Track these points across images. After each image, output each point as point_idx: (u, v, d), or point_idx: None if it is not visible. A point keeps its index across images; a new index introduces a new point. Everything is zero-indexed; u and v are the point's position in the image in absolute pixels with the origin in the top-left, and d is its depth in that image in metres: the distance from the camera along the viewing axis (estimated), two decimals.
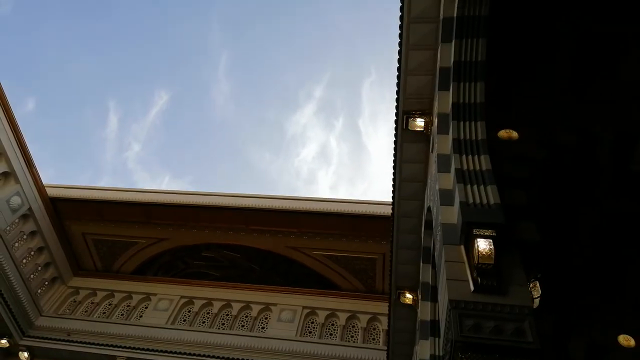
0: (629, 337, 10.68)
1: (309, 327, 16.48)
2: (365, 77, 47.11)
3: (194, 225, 17.38)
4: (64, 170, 44.25)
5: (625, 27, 8.63)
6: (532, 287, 7.30)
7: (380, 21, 45.25)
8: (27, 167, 16.90)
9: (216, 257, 17.89)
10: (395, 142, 10.69)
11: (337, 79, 45.95)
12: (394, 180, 11.18)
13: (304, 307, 16.79)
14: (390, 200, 11.63)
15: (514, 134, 9.10)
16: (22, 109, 38.85)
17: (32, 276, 17.30)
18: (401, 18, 9.35)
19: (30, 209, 16.96)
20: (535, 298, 7.35)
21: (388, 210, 12.17)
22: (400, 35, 9.54)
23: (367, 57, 48.24)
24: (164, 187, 44.00)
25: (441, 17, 8.91)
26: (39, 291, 17.65)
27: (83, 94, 43.75)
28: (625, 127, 9.18)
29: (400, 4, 9.22)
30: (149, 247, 18.21)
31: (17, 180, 16.54)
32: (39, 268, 17.69)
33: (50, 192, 17.81)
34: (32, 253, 17.38)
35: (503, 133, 9.14)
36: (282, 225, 16.61)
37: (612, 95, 9.04)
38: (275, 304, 17.05)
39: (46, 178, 17.75)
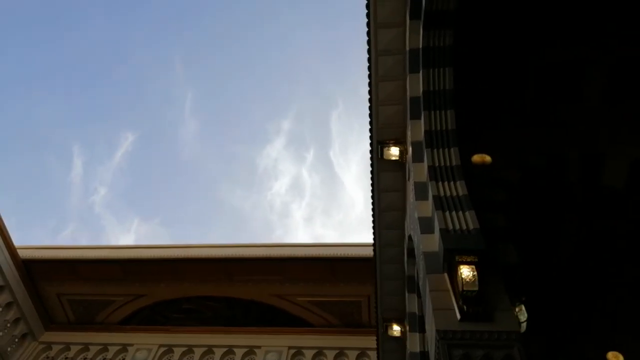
0: (617, 353, 10.65)
1: None
2: (333, 108, 47.97)
3: (173, 279, 16.99)
4: (27, 218, 42.98)
5: (585, 54, 8.98)
6: (518, 311, 7.21)
7: (343, 53, 46.53)
8: None
9: (197, 309, 17.42)
10: (372, 172, 10.71)
11: (304, 111, 46.73)
12: (373, 210, 11.13)
13: (289, 348, 16.28)
14: (371, 234, 11.53)
15: (488, 158, 9.23)
16: None
17: (0, 334, 16.36)
18: (369, 51, 9.55)
19: None
20: (522, 322, 7.25)
21: (370, 252, 12.11)
22: (369, 68, 9.71)
23: (333, 88, 49.37)
24: (132, 231, 43.12)
25: (407, 48, 9.13)
26: (8, 349, 16.66)
27: (45, 138, 43.10)
28: (591, 148, 9.43)
29: (367, 38, 9.44)
30: (127, 304, 17.66)
31: None
32: (8, 325, 16.76)
33: (22, 254, 17.26)
34: (0, 309, 16.49)
35: (477, 157, 9.27)
36: (265, 273, 16.39)
37: (576, 118, 9.31)
38: (259, 347, 16.49)
39: (9, 227, 17.03)
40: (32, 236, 42.77)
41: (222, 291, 16.89)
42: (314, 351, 16.15)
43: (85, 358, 17.20)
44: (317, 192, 47.80)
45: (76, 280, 17.40)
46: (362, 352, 15.87)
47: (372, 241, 11.62)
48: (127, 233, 44.99)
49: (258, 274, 16.38)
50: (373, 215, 11.19)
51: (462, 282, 6.27)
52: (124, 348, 17.17)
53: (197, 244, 17.33)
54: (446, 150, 8.27)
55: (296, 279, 16.23)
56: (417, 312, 10.31)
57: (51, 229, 45.18)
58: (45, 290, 17.72)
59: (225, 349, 16.69)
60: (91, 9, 40.34)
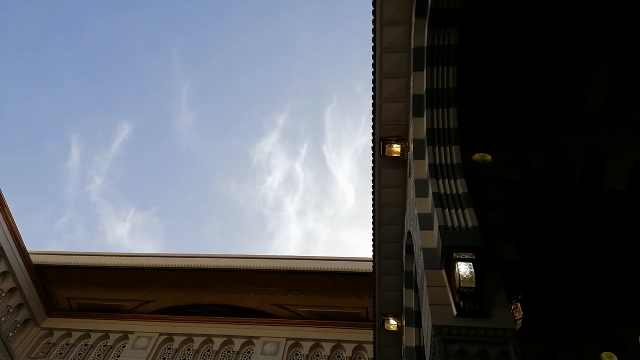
0: (611, 354, 10.74)
1: (293, 359, 16.15)
2: (327, 104, 47.92)
3: (179, 287, 17.54)
4: (25, 205, 43.18)
5: (588, 55, 9.01)
6: (514, 309, 7.31)
7: (340, 50, 46.41)
8: None
9: (200, 313, 17.81)
10: (373, 168, 10.79)
11: (299, 107, 46.68)
12: (373, 205, 11.23)
13: (287, 339, 16.46)
14: (371, 229, 11.65)
15: (488, 157, 9.30)
16: None
17: (3, 319, 16.55)
18: (374, 48, 9.60)
19: (0, 248, 16.37)
20: (518, 319, 7.36)
21: (369, 267, 12.50)
22: (374, 65, 9.76)
23: (328, 85, 49.28)
24: (128, 220, 43.24)
25: (412, 47, 9.18)
26: (10, 334, 16.86)
27: (44, 128, 43.25)
28: (594, 148, 9.48)
29: (373, 35, 9.49)
30: (134, 309, 18.10)
31: None
32: (11, 310, 16.95)
33: (35, 259, 17.82)
34: (3, 295, 16.69)
35: (477, 156, 9.33)
36: (267, 285, 16.89)
37: (579, 118, 9.36)
38: (258, 337, 16.67)
39: None
40: (30, 223, 42.99)
41: (226, 299, 17.42)
42: (311, 343, 16.31)
43: (87, 344, 17.39)
44: (309, 187, 47.93)
45: (86, 285, 17.98)
46: (359, 345, 16.03)
47: (370, 253, 11.89)
48: (123, 222, 45.27)
49: (261, 285, 16.94)
50: (373, 211, 11.28)
51: (459, 278, 6.37)
52: (125, 335, 17.36)
53: (202, 254, 17.89)
54: (447, 148, 8.35)
55: (298, 290, 16.76)
56: (413, 307, 10.43)
57: (48, 216, 45.46)
58: (55, 294, 18.26)
59: (224, 339, 16.87)
60: (90, 2, 40.28)
